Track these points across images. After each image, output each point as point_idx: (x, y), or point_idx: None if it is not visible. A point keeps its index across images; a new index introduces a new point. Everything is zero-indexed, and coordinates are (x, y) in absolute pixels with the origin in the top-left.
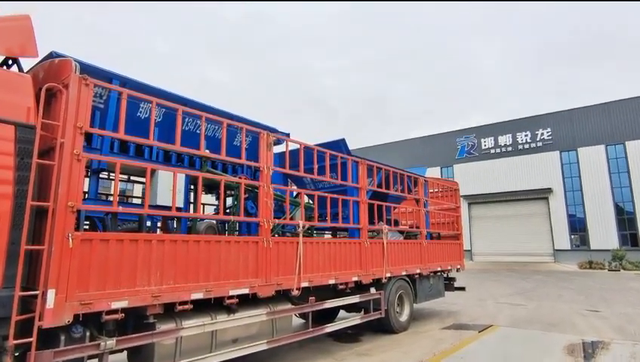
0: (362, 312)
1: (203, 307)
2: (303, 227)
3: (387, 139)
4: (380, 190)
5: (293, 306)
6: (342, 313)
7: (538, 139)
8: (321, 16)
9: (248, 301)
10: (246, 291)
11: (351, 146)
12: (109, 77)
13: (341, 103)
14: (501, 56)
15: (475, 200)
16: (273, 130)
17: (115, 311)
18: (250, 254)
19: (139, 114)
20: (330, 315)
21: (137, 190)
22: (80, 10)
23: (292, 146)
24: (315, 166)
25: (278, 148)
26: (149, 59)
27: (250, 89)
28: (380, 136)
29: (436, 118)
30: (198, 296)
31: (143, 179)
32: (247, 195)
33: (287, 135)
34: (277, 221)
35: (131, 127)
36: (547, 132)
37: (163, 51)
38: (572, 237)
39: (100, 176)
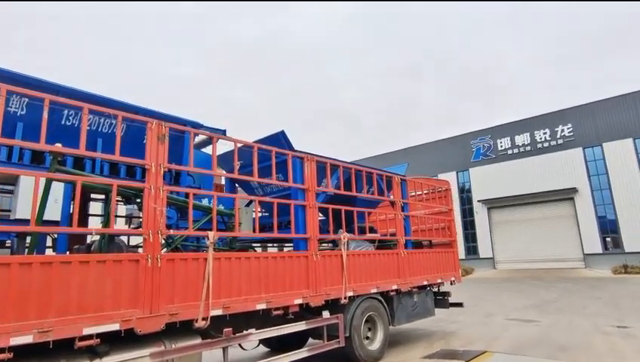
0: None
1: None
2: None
3: (404, 146)
4: (339, 192)
5: (201, 341)
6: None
7: (558, 137)
8: (334, 23)
9: (136, 338)
10: (115, 327)
11: (369, 154)
12: None
13: (363, 112)
14: (524, 55)
15: (494, 204)
16: (197, 126)
17: None
18: (125, 277)
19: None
20: (297, 341)
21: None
22: (106, 43)
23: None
24: (236, 164)
25: (223, 149)
26: (173, 85)
27: (273, 105)
28: (405, 142)
29: (462, 121)
30: (23, 339)
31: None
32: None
33: (224, 132)
34: (171, 232)
35: None
36: (568, 128)
37: (186, 76)
38: (606, 239)
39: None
